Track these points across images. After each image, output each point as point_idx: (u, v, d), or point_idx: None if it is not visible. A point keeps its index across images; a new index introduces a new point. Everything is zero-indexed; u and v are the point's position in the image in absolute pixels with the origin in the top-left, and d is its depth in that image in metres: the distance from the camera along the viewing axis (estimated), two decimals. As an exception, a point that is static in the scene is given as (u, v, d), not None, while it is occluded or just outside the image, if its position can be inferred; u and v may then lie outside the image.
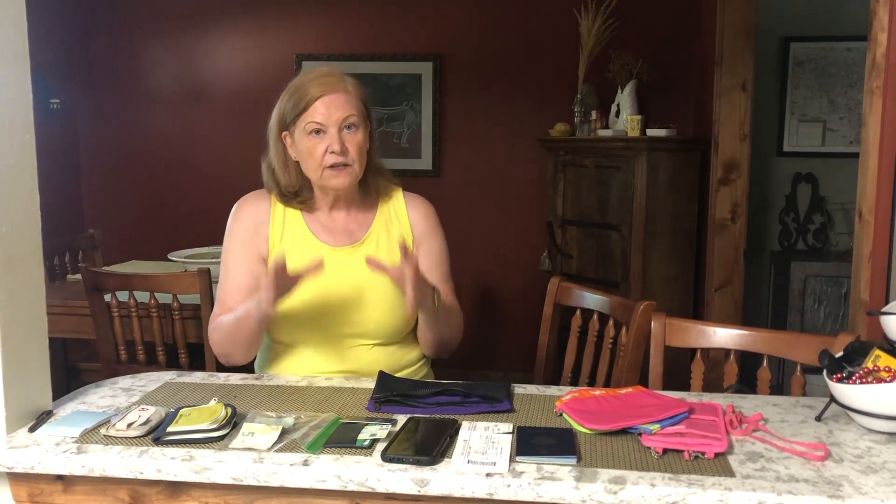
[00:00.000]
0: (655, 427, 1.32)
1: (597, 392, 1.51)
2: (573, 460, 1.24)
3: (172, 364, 2.68)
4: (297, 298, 1.73)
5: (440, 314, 1.75)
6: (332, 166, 1.71)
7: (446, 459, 1.25)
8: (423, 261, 1.82)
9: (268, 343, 1.85)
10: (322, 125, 1.70)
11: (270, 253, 1.80)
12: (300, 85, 1.74)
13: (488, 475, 1.20)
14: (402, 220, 1.86)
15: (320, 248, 1.79)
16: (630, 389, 1.52)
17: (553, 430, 1.36)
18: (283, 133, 1.77)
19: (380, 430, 1.34)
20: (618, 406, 1.44)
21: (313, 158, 1.72)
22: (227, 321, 1.73)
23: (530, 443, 1.30)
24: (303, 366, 1.78)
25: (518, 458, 1.25)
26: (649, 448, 1.28)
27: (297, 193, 1.81)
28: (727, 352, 1.85)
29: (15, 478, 1.35)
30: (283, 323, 1.77)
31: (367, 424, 1.37)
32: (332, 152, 1.70)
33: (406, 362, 1.84)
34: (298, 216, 1.83)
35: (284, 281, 1.58)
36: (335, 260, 1.77)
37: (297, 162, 1.78)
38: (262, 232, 1.81)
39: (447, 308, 1.81)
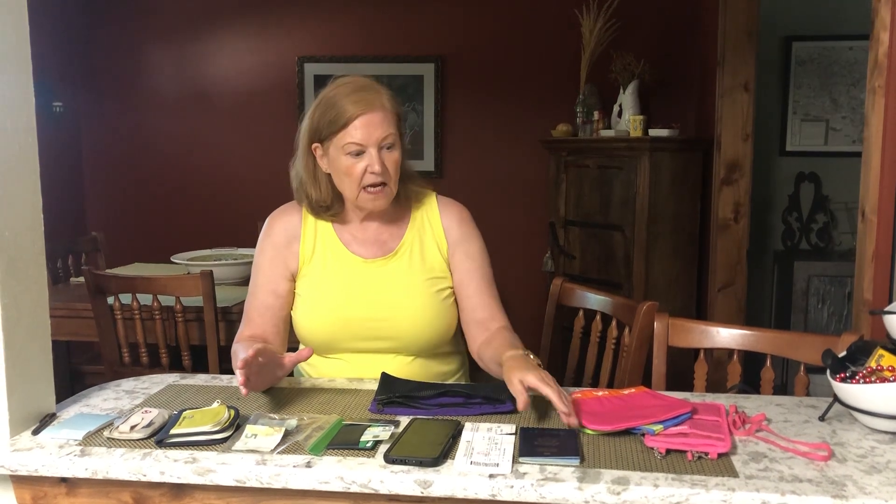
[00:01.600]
0: (658, 427, 1.32)
1: (600, 393, 1.51)
2: (576, 461, 1.24)
3: (175, 366, 2.68)
4: (331, 313, 1.74)
5: None
6: (369, 188, 1.68)
7: (449, 461, 1.25)
8: (459, 266, 1.79)
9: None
10: (362, 146, 1.65)
11: (300, 268, 1.78)
12: (336, 100, 1.67)
13: (491, 476, 1.20)
14: (435, 226, 1.80)
15: (353, 260, 1.76)
16: (633, 390, 1.52)
17: (556, 431, 1.36)
18: (314, 145, 1.72)
19: (382, 432, 1.34)
20: (621, 406, 1.44)
21: (351, 178, 1.67)
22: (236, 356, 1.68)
23: (533, 444, 1.29)
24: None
25: (521, 459, 1.25)
26: (652, 448, 1.28)
27: (329, 207, 1.77)
28: (730, 352, 1.85)
29: (19, 480, 1.35)
30: (319, 338, 1.75)
31: (369, 426, 1.37)
32: (373, 172, 1.66)
33: (444, 375, 1.82)
34: (329, 228, 1.80)
35: (264, 374, 1.53)
36: (368, 272, 1.75)
37: (328, 175, 1.74)
38: (293, 247, 1.79)
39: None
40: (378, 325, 1.72)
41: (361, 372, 1.74)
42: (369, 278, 1.75)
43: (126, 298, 2.67)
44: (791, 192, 4.30)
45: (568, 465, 1.23)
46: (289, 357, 1.57)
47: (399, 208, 1.80)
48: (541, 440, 1.31)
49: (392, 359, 1.75)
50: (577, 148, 3.88)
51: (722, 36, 3.48)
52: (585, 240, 3.86)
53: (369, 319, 1.72)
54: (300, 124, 1.76)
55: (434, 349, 1.78)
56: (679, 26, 4.13)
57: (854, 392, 1.37)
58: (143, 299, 2.65)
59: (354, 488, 1.22)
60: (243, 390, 1.42)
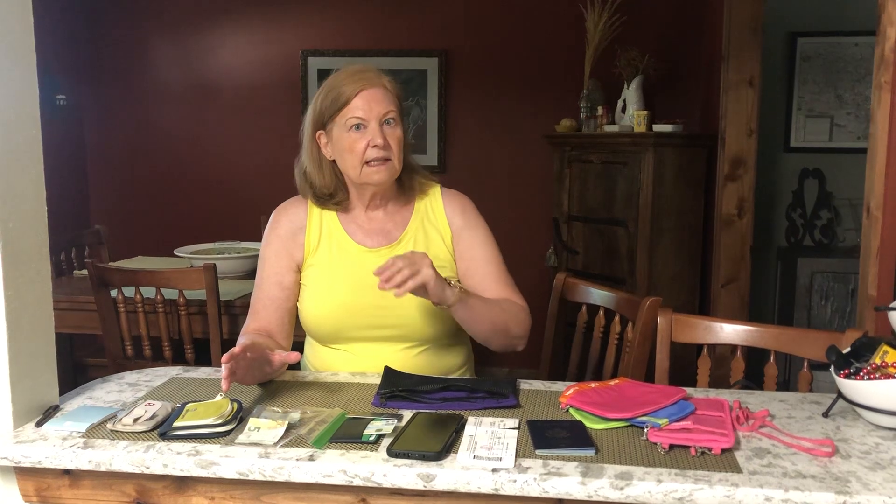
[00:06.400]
0: (664, 421, 1.32)
1: (592, 385, 1.51)
2: (592, 451, 1.25)
3: (178, 359, 2.68)
4: (336, 302, 1.74)
5: (473, 300, 1.68)
6: (371, 161, 1.69)
7: (452, 455, 1.25)
8: (464, 255, 1.81)
9: (313, 347, 1.84)
10: (363, 119, 1.68)
11: (306, 258, 1.79)
12: (336, 83, 1.72)
13: (494, 470, 1.20)
14: (439, 217, 1.83)
15: (357, 249, 1.78)
16: (618, 380, 1.54)
17: (563, 423, 1.37)
18: (318, 133, 1.75)
19: (385, 426, 1.34)
20: (618, 397, 1.45)
21: (354, 154, 1.70)
22: None
23: (545, 435, 1.30)
24: (348, 370, 1.76)
25: (538, 452, 1.25)
26: (655, 443, 1.28)
27: (333, 195, 1.79)
28: (734, 348, 1.85)
29: (22, 472, 1.35)
30: (325, 327, 1.76)
31: (372, 420, 1.37)
32: (375, 146, 1.68)
33: (450, 368, 1.82)
34: (335, 218, 1.81)
35: (253, 370, 1.52)
36: (373, 262, 1.74)
37: (332, 162, 1.76)
38: (298, 239, 1.80)
39: (482, 297, 1.74)
40: (383, 312, 1.72)
41: (367, 364, 1.74)
42: (374, 267, 1.74)
43: (129, 291, 2.67)
44: (795, 189, 4.28)
45: (586, 455, 1.24)
46: (278, 355, 1.53)
47: (403, 198, 1.83)
48: (551, 432, 1.31)
49: (398, 350, 1.75)
50: (581, 143, 3.87)
51: (727, 31, 3.47)
52: (589, 235, 3.86)
53: (374, 307, 1.72)
54: (304, 117, 1.78)
55: (439, 338, 1.78)
56: (684, 21, 4.12)
57: (858, 388, 1.37)
58: (146, 292, 2.66)
59: (357, 482, 1.22)
60: (224, 384, 1.41)
